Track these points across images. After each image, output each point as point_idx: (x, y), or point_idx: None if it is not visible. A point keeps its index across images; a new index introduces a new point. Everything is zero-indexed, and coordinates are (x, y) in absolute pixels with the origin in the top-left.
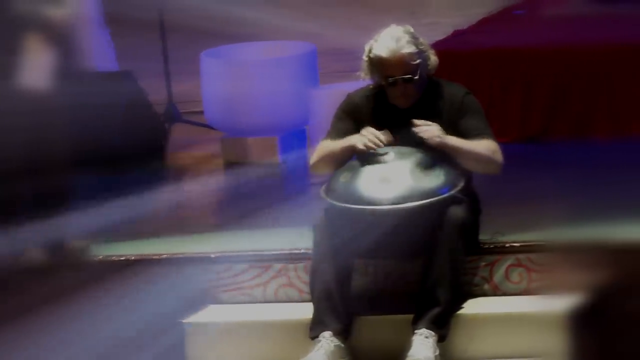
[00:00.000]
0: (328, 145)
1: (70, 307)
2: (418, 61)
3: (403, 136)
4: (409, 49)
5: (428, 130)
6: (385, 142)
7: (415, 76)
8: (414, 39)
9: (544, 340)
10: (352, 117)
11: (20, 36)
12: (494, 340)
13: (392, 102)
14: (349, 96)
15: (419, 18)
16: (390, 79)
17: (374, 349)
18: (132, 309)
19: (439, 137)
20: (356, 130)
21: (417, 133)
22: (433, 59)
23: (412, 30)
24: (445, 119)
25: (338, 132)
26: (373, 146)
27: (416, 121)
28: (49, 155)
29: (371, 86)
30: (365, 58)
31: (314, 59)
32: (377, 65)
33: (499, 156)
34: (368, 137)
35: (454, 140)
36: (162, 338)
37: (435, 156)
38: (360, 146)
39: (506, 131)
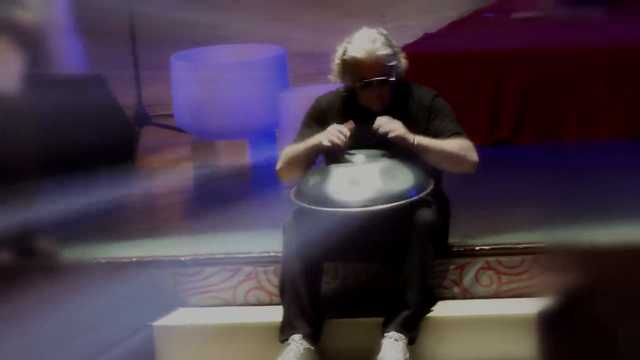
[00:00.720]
0: (292, 149)
1: (38, 309)
2: (393, 63)
3: (373, 138)
4: (384, 50)
5: (389, 124)
6: (348, 134)
7: (390, 78)
8: (388, 41)
9: (514, 344)
10: (320, 123)
11: None
12: (463, 343)
13: (364, 105)
14: (317, 101)
15: (388, 21)
16: (365, 81)
17: (343, 352)
18: (101, 311)
19: (400, 132)
20: None
21: (377, 129)
22: (404, 62)
23: (385, 32)
24: (415, 122)
25: (305, 139)
26: (338, 142)
27: (379, 118)
28: (18, 159)
29: (342, 89)
30: (338, 60)
31: (283, 62)
32: (352, 66)
33: (472, 154)
34: (332, 132)
35: (421, 139)
36: (132, 341)
37: (404, 159)
38: (326, 143)
39: (476, 134)
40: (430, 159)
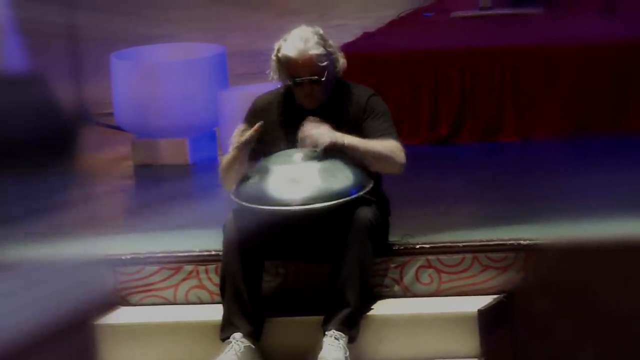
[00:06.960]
0: (223, 160)
1: None
2: (325, 63)
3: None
4: (316, 50)
5: (314, 137)
6: (248, 135)
7: (322, 78)
8: (323, 41)
9: (455, 341)
10: (254, 125)
11: None
12: (404, 341)
13: (299, 103)
14: (254, 102)
15: (328, 20)
16: (297, 80)
17: (284, 351)
18: (43, 310)
19: (327, 140)
20: (262, 135)
21: (303, 138)
22: (342, 61)
23: (321, 32)
24: (350, 120)
25: None
26: (243, 146)
27: (302, 130)
28: None
29: (281, 88)
30: (273, 57)
31: (223, 60)
32: (285, 65)
33: (400, 155)
34: (232, 140)
35: (351, 140)
36: (74, 340)
37: (344, 157)
38: (233, 151)
39: (416, 133)
40: (358, 159)
